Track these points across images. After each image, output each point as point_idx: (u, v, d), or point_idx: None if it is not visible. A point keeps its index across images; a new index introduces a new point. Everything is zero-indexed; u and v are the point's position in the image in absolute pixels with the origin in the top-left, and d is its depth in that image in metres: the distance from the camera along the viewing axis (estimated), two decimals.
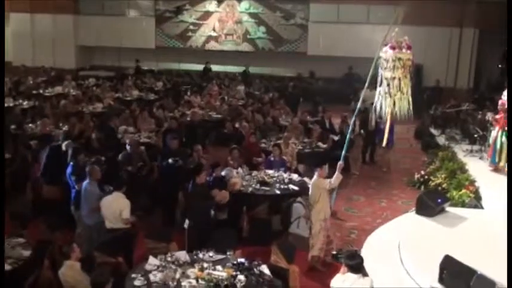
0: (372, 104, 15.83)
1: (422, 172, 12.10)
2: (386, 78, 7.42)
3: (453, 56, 21.39)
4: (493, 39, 20.37)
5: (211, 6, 23.11)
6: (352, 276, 5.28)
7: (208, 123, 14.76)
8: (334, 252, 8.40)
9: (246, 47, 23.20)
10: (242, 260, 6.34)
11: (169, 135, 10.24)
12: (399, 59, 7.40)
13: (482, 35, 21.12)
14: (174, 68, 23.94)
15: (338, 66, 21.89)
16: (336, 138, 13.52)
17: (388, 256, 7.84)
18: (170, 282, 5.92)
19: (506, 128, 11.24)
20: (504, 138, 11.19)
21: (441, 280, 6.50)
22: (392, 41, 7.44)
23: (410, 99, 7.52)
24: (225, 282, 5.88)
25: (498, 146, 11.26)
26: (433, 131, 16.69)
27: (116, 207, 7.14)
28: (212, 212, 8.28)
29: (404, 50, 7.44)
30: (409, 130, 17.02)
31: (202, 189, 8.12)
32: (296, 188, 9.36)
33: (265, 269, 6.25)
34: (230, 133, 13.28)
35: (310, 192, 8.17)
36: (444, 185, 10.95)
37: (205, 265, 6.32)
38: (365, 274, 5.44)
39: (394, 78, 7.43)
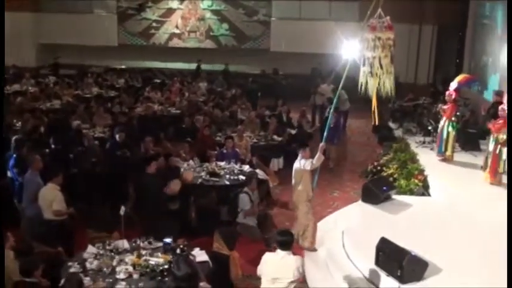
0: (329, 98, 16.13)
1: (376, 163, 12.26)
2: (367, 58, 7.63)
3: (413, 52, 21.72)
4: (450, 35, 20.80)
5: (174, 3, 23.09)
6: (281, 253, 5.43)
7: (166, 118, 14.80)
8: (266, 237, 8.52)
9: (209, 44, 23.26)
10: (168, 240, 6.39)
11: (116, 128, 10.25)
12: (379, 38, 7.61)
13: (440, 32, 21.54)
14: (138, 66, 23.79)
15: (301, 62, 22.02)
16: (293, 132, 13.73)
17: (331, 242, 7.99)
18: (105, 269, 5.94)
19: (453, 118, 11.52)
20: (451, 128, 11.44)
21: (377, 262, 6.63)
22: (373, 22, 7.64)
23: (393, 77, 7.72)
24: (161, 268, 5.92)
25: (445, 136, 11.51)
26: (391, 124, 16.93)
27: (47, 198, 7.12)
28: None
29: (384, 30, 7.64)
30: (367, 124, 17.18)
31: (154, 179, 8.12)
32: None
33: (193, 250, 6.32)
34: (187, 127, 13.31)
35: (293, 174, 8.28)
36: (395, 175, 11.12)
37: (143, 252, 6.37)
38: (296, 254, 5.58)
39: (374, 57, 7.63)
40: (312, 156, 8.17)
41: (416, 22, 21.32)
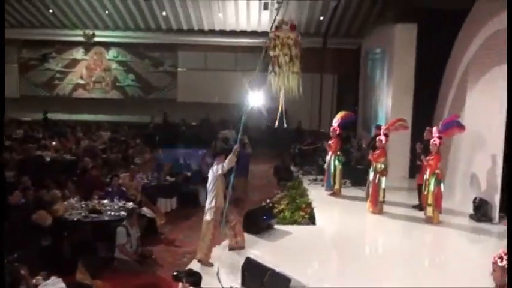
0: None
1: (268, 201, 12.37)
2: (270, 57, 7.86)
3: (315, 100, 22.48)
4: (349, 84, 21.83)
5: (79, 54, 22.91)
6: None
7: (62, 164, 14.48)
8: (175, 273, 8.30)
9: (115, 94, 23.11)
10: None
11: None
12: (278, 37, 7.88)
13: (340, 81, 22.55)
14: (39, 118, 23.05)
15: (208, 112, 22.21)
16: (189, 174, 13.85)
17: (207, 272, 7.88)
18: None
19: (338, 153, 11.94)
20: (337, 162, 11.83)
21: (243, 282, 6.58)
22: (278, 23, 7.95)
23: (297, 77, 7.90)
24: None
25: (332, 170, 11.86)
26: (292, 168, 17.25)
27: None
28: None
29: (286, 30, 7.92)
30: (269, 169, 17.46)
31: (19, 210, 7.76)
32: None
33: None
34: (81, 171, 13.01)
35: (208, 182, 8.30)
36: (286, 211, 11.26)
37: None
38: None
39: (275, 56, 7.86)
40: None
41: (318, 71, 22.17)
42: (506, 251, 3.84)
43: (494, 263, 3.83)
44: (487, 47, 10.78)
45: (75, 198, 9.95)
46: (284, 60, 8.01)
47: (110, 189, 10.57)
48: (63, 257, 8.40)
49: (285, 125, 8.93)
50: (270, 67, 8.09)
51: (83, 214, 9.20)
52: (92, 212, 9.29)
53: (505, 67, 9.70)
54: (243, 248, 8.27)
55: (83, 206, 9.55)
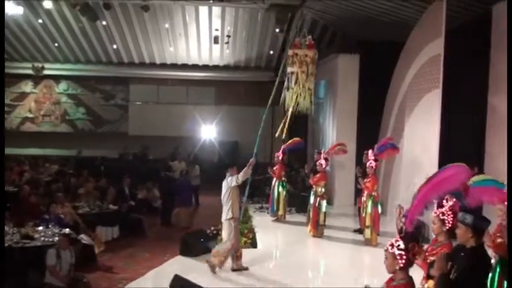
0: (181, 171, 16.29)
1: (213, 228, 12.26)
2: (287, 74, 8.01)
3: (268, 132, 22.58)
4: (299, 116, 22.04)
5: (28, 87, 22.54)
6: None
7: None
8: None
9: (64, 127, 22.72)
10: None
11: None
12: (296, 54, 8.14)
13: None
14: None
15: (160, 145, 22.04)
16: (133, 203, 13.77)
17: None
18: None
19: (283, 179, 12.02)
20: (281, 188, 11.91)
21: None
22: (297, 40, 8.16)
23: (310, 94, 8.01)
24: None
25: (276, 195, 11.92)
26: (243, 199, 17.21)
27: None
28: None
29: (303, 47, 8.11)
30: (219, 201, 17.37)
31: None
32: None
33: None
34: (20, 198, 12.71)
35: (222, 194, 8.51)
36: None
37: None
38: None
39: (292, 72, 8.02)
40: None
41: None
42: (397, 238, 3.90)
43: (386, 250, 3.88)
44: (421, 74, 11.16)
45: (9, 225, 9.67)
46: (302, 78, 8.26)
47: (46, 216, 10.33)
48: None
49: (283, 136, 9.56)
50: (286, 83, 8.36)
51: (14, 240, 8.94)
52: (25, 237, 9.03)
53: (438, 91, 10.08)
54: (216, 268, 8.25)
55: (15, 232, 9.27)
